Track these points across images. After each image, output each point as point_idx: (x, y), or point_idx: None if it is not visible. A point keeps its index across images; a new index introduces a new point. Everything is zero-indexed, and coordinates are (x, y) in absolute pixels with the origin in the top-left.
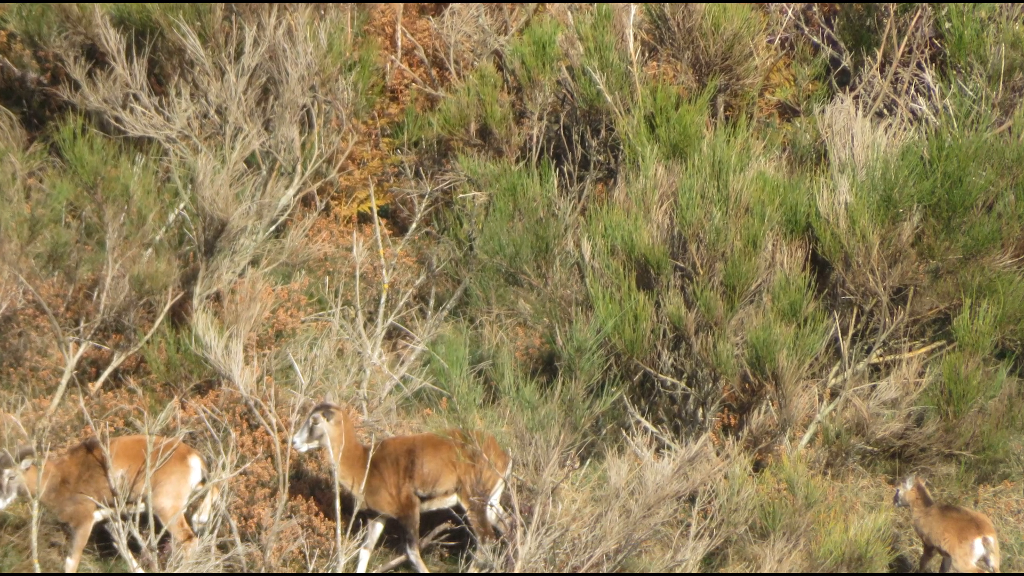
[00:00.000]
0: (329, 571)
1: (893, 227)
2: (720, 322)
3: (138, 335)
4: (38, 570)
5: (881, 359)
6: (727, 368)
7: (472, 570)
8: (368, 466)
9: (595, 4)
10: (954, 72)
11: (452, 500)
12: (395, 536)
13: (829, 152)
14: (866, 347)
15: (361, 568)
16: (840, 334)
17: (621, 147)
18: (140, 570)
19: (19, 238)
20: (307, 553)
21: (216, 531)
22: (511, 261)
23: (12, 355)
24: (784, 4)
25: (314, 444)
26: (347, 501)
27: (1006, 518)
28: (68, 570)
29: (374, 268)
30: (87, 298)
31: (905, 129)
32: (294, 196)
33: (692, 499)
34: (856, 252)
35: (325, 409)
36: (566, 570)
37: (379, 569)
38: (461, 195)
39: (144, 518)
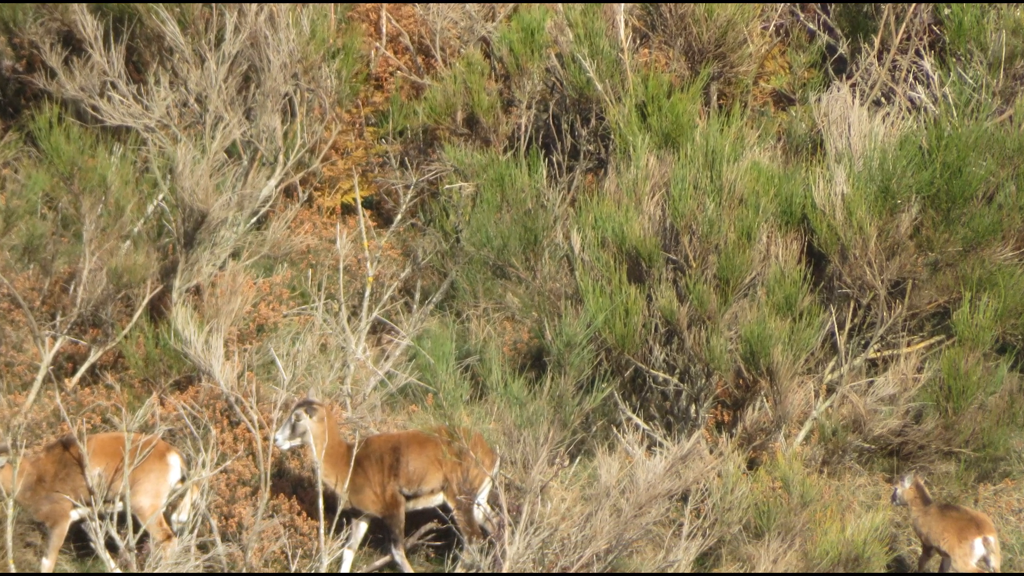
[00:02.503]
0: (312, 571)
1: (891, 219)
2: (713, 316)
3: (116, 329)
4: (13, 570)
5: (879, 354)
6: (720, 363)
7: (459, 571)
8: (352, 464)
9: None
10: (953, 59)
11: (438, 499)
12: (380, 536)
13: (825, 142)
14: (863, 342)
15: (345, 569)
16: (836, 328)
17: (612, 136)
18: (118, 570)
19: None
20: (289, 553)
21: (196, 531)
22: (499, 253)
23: None
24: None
25: (296, 441)
26: (330, 500)
27: (1007, 517)
28: (44, 570)
29: (358, 261)
30: (63, 291)
31: (903, 118)
32: (276, 187)
33: (684, 498)
34: (853, 244)
35: (308, 405)
36: (555, 570)
37: (363, 569)
38: (447, 186)
39: (122, 517)
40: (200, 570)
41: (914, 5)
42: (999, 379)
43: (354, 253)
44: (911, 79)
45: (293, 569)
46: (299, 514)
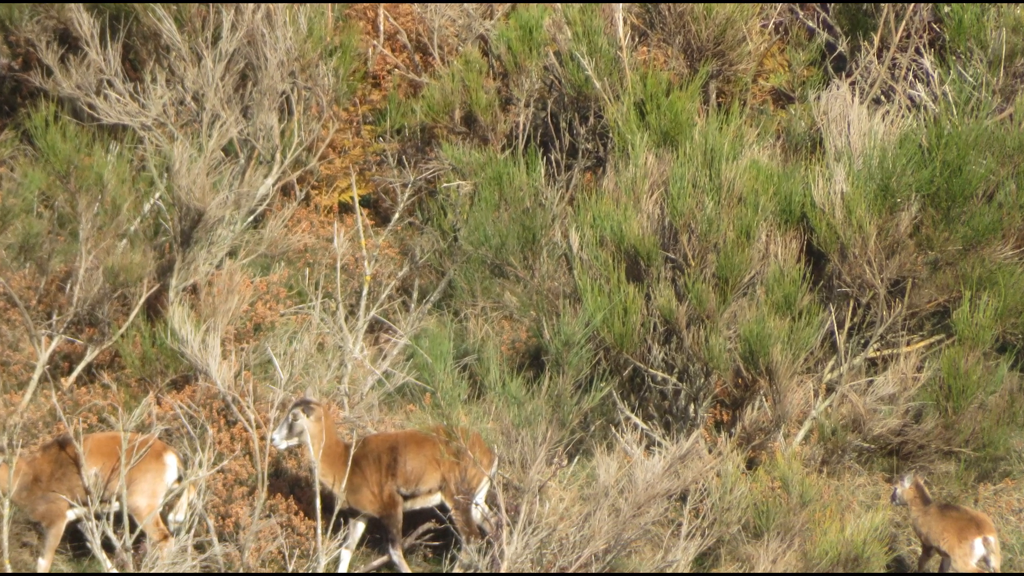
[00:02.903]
0: (309, 571)
1: (891, 217)
2: (712, 315)
3: (112, 329)
4: (9, 570)
5: (878, 353)
6: (719, 363)
7: (457, 571)
8: (349, 464)
9: None
10: (953, 57)
11: (436, 499)
12: (377, 536)
13: (825, 140)
14: (863, 341)
15: (342, 569)
16: (836, 328)
17: (610, 135)
18: (114, 570)
19: None
20: (286, 553)
21: (193, 531)
22: (497, 252)
23: None
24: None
25: (294, 441)
26: (328, 500)
27: (1007, 517)
28: (40, 570)
29: (355, 259)
30: (60, 290)
31: (903, 116)
32: (273, 185)
33: (683, 498)
34: (852, 243)
35: (305, 405)
36: (553, 571)
37: (361, 570)
38: (445, 184)
39: (118, 517)
40: (197, 570)
41: (913, 3)
42: (999, 378)
43: (351, 252)
44: (911, 77)
45: (290, 569)
46: (296, 514)
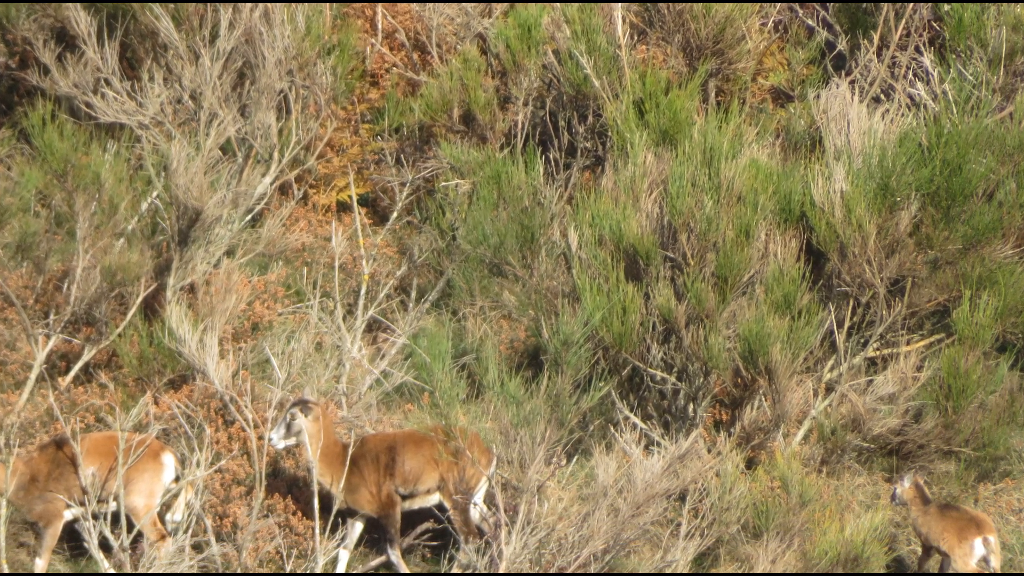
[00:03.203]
0: (307, 572)
1: (890, 216)
2: (711, 314)
3: (110, 328)
4: (6, 570)
5: (878, 353)
6: (719, 362)
7: (455, 571)
8: (347, 464)
9: None
10: (953, 56)
11: (434, 499)
12: (375, 536)
13: (824, 139)
14: (862, 340)
15: (340, 569)
16: (836, 327)
17: (609, 133)
18: (111, 570)
19: None
20: (284, 553)
21: (190, 531)
22: (495, 251)
23: None
24: None
25: (292, 441)
26: (326, 500)
27: (1007, 517)
28: (37, 570)
29: (354, 259)
30: (57, 290)
31: (903, 115)
32: (271, 184)
33: (682, 497)
34: (852, 242)
35: (303, 404)
36: (552, 571)
37: (359, 570)
38: (444, 183)
39: (116, 517)
40: (195, 570)
41: (913, 2)
42: (999, 378)
43: (349, 251)
44: (910, 76)
45: (288, 569)
46: (294, 514)
